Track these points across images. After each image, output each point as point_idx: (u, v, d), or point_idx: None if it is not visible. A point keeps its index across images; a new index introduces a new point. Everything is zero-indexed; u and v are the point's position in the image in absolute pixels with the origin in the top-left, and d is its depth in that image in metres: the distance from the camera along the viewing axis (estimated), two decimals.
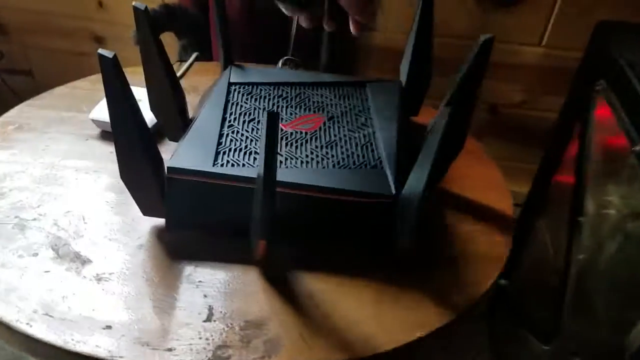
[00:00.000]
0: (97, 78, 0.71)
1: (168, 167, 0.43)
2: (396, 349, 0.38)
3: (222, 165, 0.44)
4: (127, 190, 0.43)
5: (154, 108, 0.52)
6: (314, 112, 0.52)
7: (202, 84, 0.66)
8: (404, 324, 0.39)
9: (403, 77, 0.58)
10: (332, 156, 0.46)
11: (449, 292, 0.42)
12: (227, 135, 0.48)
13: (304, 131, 0.49)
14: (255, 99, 0.53)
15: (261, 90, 0.55)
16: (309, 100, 0.54)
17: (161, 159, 0.43)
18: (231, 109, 0.52)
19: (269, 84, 0.56)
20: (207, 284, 0.41)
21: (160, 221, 0.46)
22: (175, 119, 0.52)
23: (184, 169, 0.43)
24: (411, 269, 0.44)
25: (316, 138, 0.48)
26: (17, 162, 0.53)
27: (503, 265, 0.45)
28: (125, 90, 0.37)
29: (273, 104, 0.53)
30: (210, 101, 0.52)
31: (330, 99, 0.55)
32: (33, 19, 1.09)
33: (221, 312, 0.39)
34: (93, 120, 0.58)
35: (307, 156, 0.46)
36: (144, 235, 0.46)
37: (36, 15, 1.07)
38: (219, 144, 0.46)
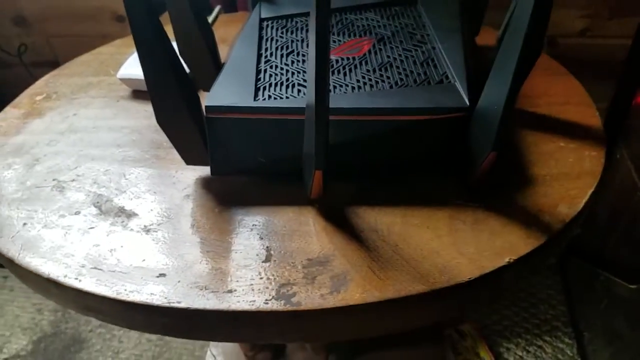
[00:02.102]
0: (122, 42, 0.71)
1: (206, 107, 0.41)
2: (483, 277, 0.35)
3: (264, 100, 0.42)
4: (168, 143, 0.43)
5: (183, 54, 0.51)
6: (360, 36, 0.50)
7: (230, 35, 0.65)
8: (489, 250, 0.37)
9: None
10: (388, 77, 0.44)
11: (537, 213, 0.39)
12: (266, 70, 0.46)
13: (350, 57, 0.47)
14: (291, 32, 0.51)
15: (297, 22, 0.53)
16: (352, 25, 0.52)
17: (198, 99, 0.42)
18: (266, 44, 0.50)
19: (305, 14, 0.54)
20: (261, 227, 0.40)
21: (206, 170, 0.45)
22: (207, 63, 0.51)
23: (223, 106, 0.41)
24: (490, 192, 0.41)
25: (366, 62, 0.46)
26: (49, 130, 0.53)
27: (598, 180, 0.41)
28: (152, 16, 0.36)
29: None
30: (242, 39, 0.51)
31: (377, 21, 0.52)
32: (51, 5, 1.11)
33: (280, 252, 0.38)
34: (122, 80, 0.58)
35: (358, 81, 0.44)
36: (190, 185, 0.45)
37: (54, 1, 1.09)
38: (258, 80, 0.45)
